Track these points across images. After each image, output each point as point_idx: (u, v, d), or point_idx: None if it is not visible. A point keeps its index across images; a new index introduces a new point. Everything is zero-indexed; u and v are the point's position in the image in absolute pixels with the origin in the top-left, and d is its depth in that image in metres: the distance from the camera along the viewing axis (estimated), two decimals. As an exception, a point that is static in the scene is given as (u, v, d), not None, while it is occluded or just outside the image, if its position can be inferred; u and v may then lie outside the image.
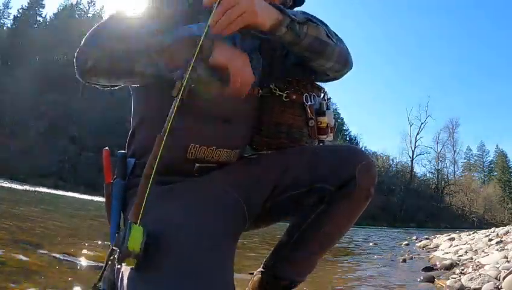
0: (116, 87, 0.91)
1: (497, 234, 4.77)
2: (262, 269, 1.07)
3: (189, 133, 0.89)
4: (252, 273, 1.10)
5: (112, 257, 1.10)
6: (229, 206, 0.88)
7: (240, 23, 0.79)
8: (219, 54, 0.81)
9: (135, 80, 0.86)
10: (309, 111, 1.05)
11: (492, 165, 50.94)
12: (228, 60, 0.82)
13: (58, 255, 1.80)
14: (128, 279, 0.72)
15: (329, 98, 1.13)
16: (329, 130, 1.08)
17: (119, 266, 0.89)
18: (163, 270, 0.67)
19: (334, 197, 0.96)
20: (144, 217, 0.68)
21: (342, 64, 1.03)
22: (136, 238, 0.66)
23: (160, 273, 0.67)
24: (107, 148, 0.95)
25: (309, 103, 1.05)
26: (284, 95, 1.04)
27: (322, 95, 1.10)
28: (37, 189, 13.85)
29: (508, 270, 1.85)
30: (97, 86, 0.88)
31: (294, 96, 1.04)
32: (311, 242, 1.01)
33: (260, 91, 1.03)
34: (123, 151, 0.96)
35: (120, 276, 0.81)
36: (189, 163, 0.91)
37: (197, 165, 0.92)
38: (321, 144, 1.09)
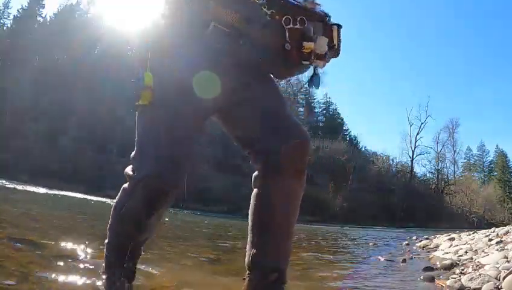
0: None
1: (497, 234, 4.76)
2: (248, 270, 1.12)
3: None
4: (245, 279, 1.14)
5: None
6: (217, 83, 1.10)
7: None
8: None
9: None
10: (287, 34, 1.05)
11: (492, 165, 50.90)
12: None
13: (58, 255, 1.80)
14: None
15: (338, 26, 1.12)
16: (313, 57, 1.08)
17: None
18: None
19: (267, 174, 1.10)
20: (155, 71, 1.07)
21: None
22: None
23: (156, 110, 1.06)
24: None
25: (290, 26, 1.05)
26: (269, 13, 1.05)
27: (324, 24, 1.11)
28: (37, 189, 13.84)
29: (508, 270, 1.84)
30: None
31: (277, 16, 1.05)
32: (273, 228, 1.10)
33: None
34: None
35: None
36: (207, 20, 1.06)
37: (212, 24, 1.05)
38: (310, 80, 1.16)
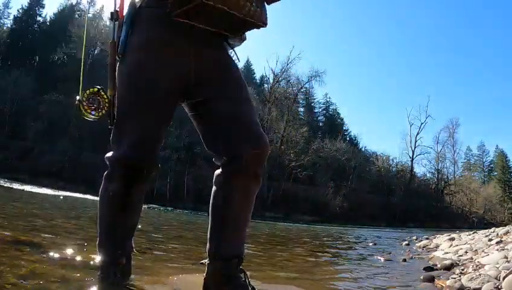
0: None
1: (497, 234, 4.76)
2: (209, 259, 1.27)
3: None
4: (204, 263, 1.30)
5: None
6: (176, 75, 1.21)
7: None
8: None
9: None
10: None
11: (492, 165, 50.93)
12: None
13: (57, 255, 1.80)
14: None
15: None
16: None
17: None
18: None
19: (229, 176, 1.22)
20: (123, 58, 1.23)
21: None
22: (80, 95, 1.20)
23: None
24: None
25: None
26: None
27: None
28: (37, 189, 13.86)
29: (508, 270, 1.84)
30: None
31: None
32: (232, 222, 1.25)
33: None
34: None
35: None
36: None
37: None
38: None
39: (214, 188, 1.29)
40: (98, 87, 1.24)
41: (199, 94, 1.25)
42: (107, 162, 1.25)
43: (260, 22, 1.21)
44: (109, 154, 1.25)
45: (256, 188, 1.26)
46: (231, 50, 1.36)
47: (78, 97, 1.21)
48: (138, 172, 1.21)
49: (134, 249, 1.35)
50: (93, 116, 1.22)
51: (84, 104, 1.21)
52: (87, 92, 1.22)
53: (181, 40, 1.21)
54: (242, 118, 1.23)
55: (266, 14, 1.23)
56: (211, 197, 1.29)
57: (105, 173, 1.27)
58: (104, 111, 1.22)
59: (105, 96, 1.22)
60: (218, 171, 1.28)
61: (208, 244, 1.29)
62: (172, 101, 1.25)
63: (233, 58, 1.33)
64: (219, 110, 1.22)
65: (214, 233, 1.28)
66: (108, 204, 1.26)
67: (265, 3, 1.25)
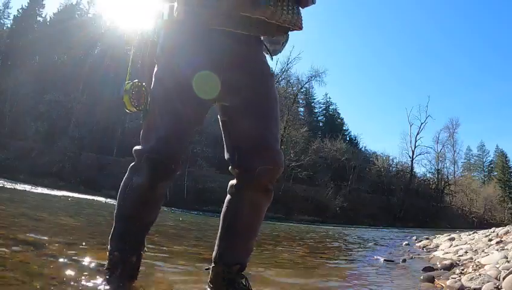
0: None
1: (497, 234, 4.76)
2: (214, 263, 1.32)
3: None
4: (208, 269, 1.35)
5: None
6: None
7: None
8: None
9: None
10: None
11: (492, 165, 50.90)
12: None
13: (58, 255, 1.80)
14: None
15: None
16: None
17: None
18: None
19: (241, 188, 1.27)
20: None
21: None
22: (128, 85, 1.25)
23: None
24: None
25: None
26: None
27: None
28: (37, 189, 13.86)
29: (508, 270, 1.84)
30: None
31: None
32: (239, 232, 1.30)
33: None
34: None
35: None
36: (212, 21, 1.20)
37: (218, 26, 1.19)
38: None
39: (227, 196, 1.34)
40: (138, 81, 1.27)
41: (226, 100, 1.27)
42: (135, 155, 1.26)
43: (296, 27, 1.24)
44: (138, 147, 1.27)
45: (267, 202, 1.29)
46: (269, 56, 1.35)
47: (123, 88, 1.24)
48: (165, 167, 1.22)
49: (146, 248, 1.34)
50: (135, 109, 1.25)
51: (131, 95, 1.23)
52: (133, 84, 1.25)
53: (214, 45, 1.22)
54: (262, 133, 1.24)
55: (301, 18, 1.25)
56: (224, 205, 1.34)
57: (131, 165, 1.28)
58: (142, 106, 1.25)
59: (145, 91, 1.26)
60: (232, 181, 1.32)
61: (214, 249, 1.33)
62: (202, 102, 1.26)
63: (269, 65, 1.32)
64: (241, 122, 1.25)
65: (221, 240, 1.32)
66: (130, 196, 1.26)
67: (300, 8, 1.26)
